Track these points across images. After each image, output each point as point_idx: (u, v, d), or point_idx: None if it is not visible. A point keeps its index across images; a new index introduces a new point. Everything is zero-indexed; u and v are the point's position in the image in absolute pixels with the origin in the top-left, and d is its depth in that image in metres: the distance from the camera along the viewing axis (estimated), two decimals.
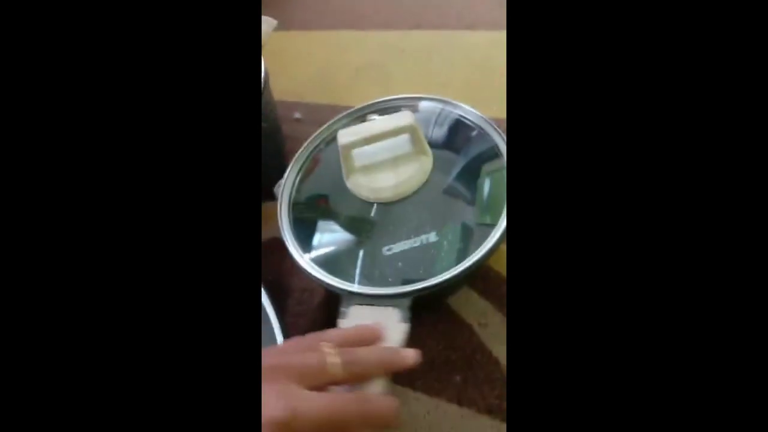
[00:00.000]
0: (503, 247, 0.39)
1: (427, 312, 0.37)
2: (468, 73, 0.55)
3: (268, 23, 0.69)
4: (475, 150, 0.38)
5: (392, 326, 0.29)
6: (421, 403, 0.34)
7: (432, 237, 0.40)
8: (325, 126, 0.42)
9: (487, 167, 0.38)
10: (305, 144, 0.41)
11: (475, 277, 0.38)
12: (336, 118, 0.42)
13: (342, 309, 0.31)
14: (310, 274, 0.34)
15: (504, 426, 0.31)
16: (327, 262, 0.35)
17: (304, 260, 0.35)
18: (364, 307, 0.31)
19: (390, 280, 0.38)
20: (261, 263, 0.32)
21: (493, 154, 0.36)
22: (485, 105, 0.51)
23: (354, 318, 0.31)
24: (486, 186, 0.39)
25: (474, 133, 0.38)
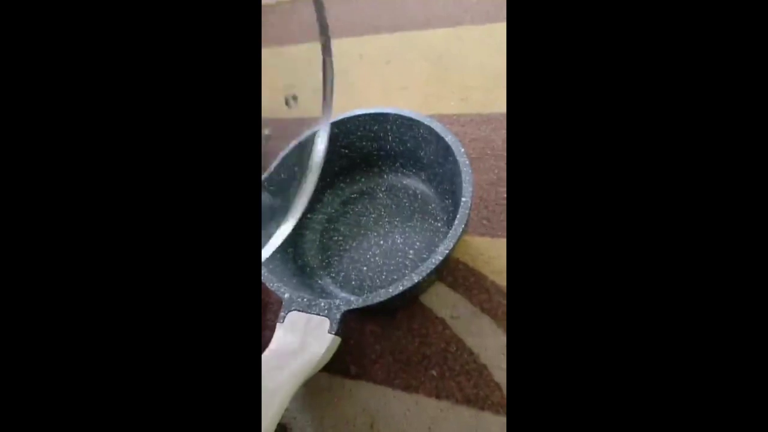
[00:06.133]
0: (467, 238, 0.40)
1: (402, 310, 0.38)
2: (426, 72, 0.56)
3: None
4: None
5: (318, 335, 0.30)
6: (401, 401, 0.34)
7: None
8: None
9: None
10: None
11: (443, 270, 0.38)
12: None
13: (281, 314, 0.32)
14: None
15: (482, 414, 0.32)
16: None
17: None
18: (300, 314, 0.31)
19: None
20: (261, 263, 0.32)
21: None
22: (444, 102, 0.52)
23: (289, 324, 0.31)
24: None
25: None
